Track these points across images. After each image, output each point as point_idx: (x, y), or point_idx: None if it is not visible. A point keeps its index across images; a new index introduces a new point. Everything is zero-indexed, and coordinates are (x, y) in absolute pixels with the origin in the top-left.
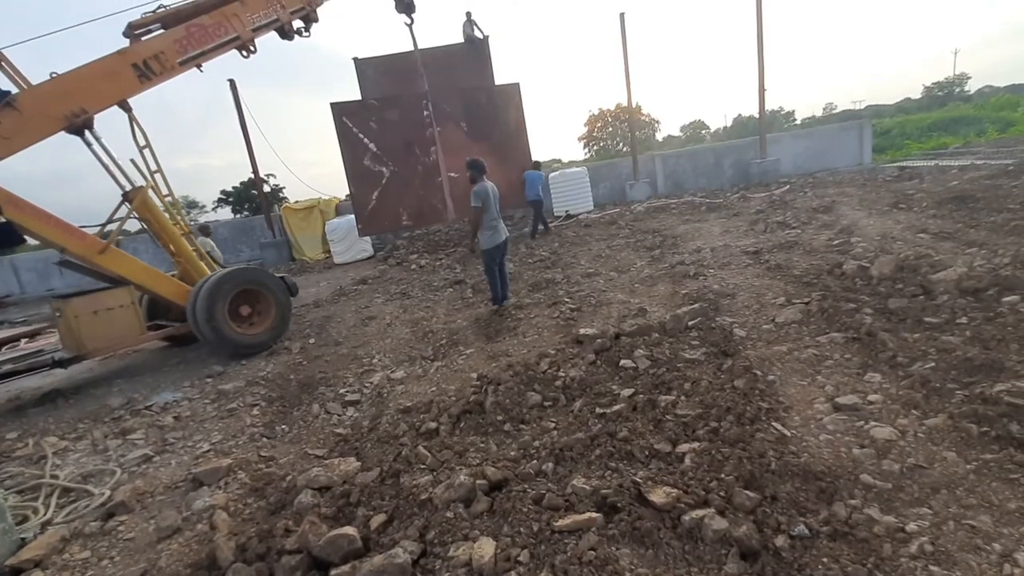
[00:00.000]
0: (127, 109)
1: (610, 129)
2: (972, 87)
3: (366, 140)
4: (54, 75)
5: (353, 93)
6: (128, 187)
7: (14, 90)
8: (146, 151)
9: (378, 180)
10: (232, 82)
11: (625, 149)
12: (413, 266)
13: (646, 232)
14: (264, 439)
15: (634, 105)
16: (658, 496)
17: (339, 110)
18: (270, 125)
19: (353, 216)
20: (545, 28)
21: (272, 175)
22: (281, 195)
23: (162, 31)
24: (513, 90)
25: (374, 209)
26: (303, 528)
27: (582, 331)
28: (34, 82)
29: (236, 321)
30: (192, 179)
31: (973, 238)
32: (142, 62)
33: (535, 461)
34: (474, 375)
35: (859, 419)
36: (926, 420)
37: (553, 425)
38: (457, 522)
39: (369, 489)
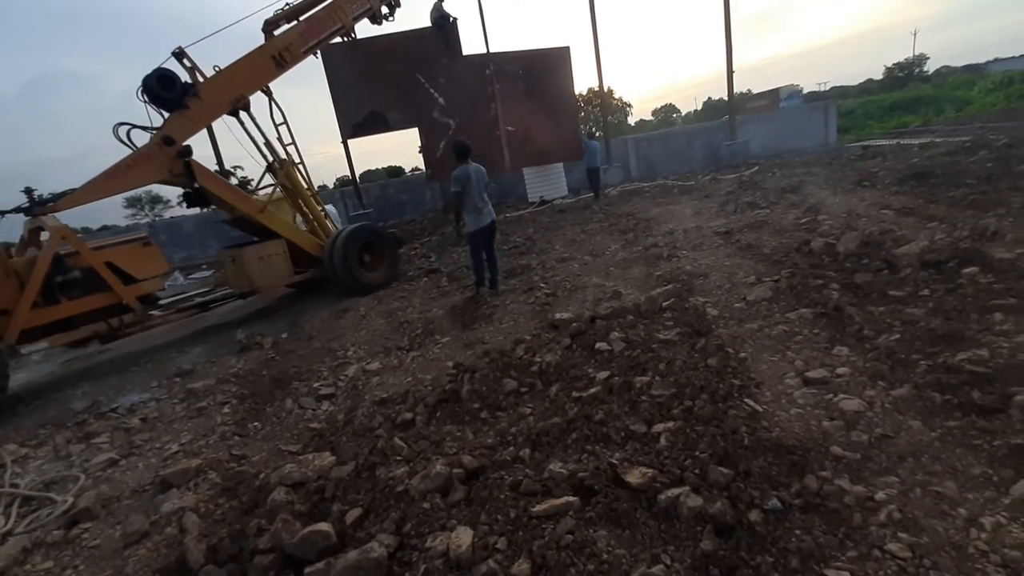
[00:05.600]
0: (268, 92)
1: (582, 114)
2: (930, 67)
3: (435, 94)
4: (216, 68)
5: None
6: (271, 159)
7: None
8: (282, 127)
9: (445, 131)
10: None
11: (598, 134)
12: None
13: (620, 216)
14: (236, 437)
15: (606, 89)
16: (634, 477)
17: (415, 59)
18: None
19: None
20: (517, 11)
21: (239, 167)
22: (249, 187)
23: (288, 26)
24: (564, 53)
25: (441, 157)
26: (276, 526)
27: (557, 316)
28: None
29: (360, 266)
30: None
31: (933, 213)
32: (278, 54)
33: (512, 447)
34: (450, 364)
35: (828, 392)
36: (892, 391)
37: (529, 411)
38: (434, 512)
39: (344, 483)
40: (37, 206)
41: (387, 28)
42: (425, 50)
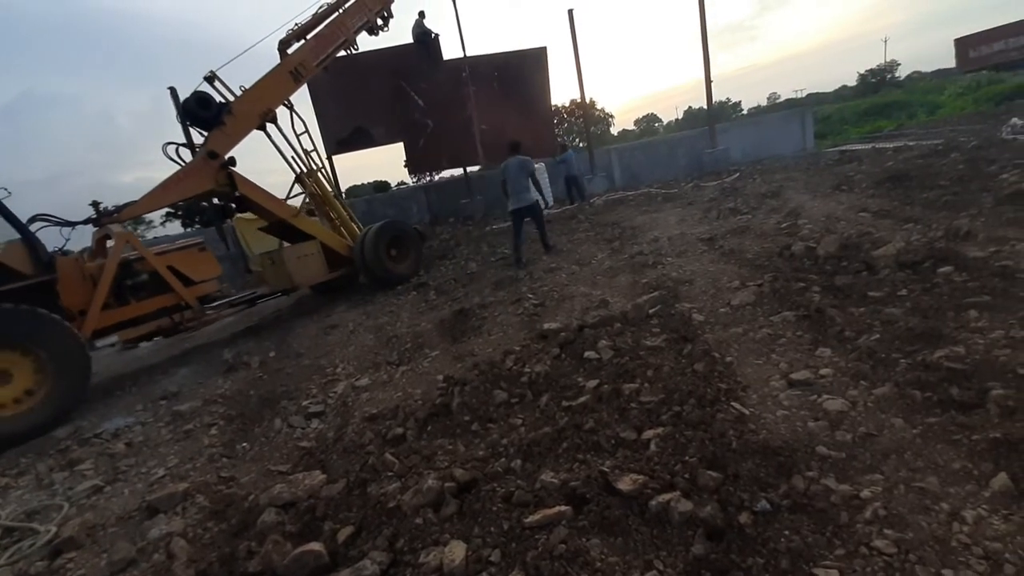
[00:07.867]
0: (289, 106)
1: (565, 125)
2: (902, 73)
3: (416, 97)
4: (243, 87)
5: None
6: (300, 170)
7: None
8: (303, 136)
9: (424, 130)
10: (173, 90)
11: (581, 144)
12: None
13: (605, 225)
14: (224, 459)
15: (588, 100)
16: (625, 484)
17: (398, 74)
18: None
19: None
20: (500, 26)
21: None
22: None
23: (299, 44)
24: (540, 53)
25: (420, 154)
26: (266, 548)
27: (546, 326)
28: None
29: (388, 260)
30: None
31: (909, 214)
32: (294, 69)
33: (503, 459)
34: (440, 377)
35: (812, 393)
36: (874, 390)
37: (520, 422)
38: (427, 527)
39: (335, 502)
40: (103, 217)
41: (376, 43)
42: (407, 64)
